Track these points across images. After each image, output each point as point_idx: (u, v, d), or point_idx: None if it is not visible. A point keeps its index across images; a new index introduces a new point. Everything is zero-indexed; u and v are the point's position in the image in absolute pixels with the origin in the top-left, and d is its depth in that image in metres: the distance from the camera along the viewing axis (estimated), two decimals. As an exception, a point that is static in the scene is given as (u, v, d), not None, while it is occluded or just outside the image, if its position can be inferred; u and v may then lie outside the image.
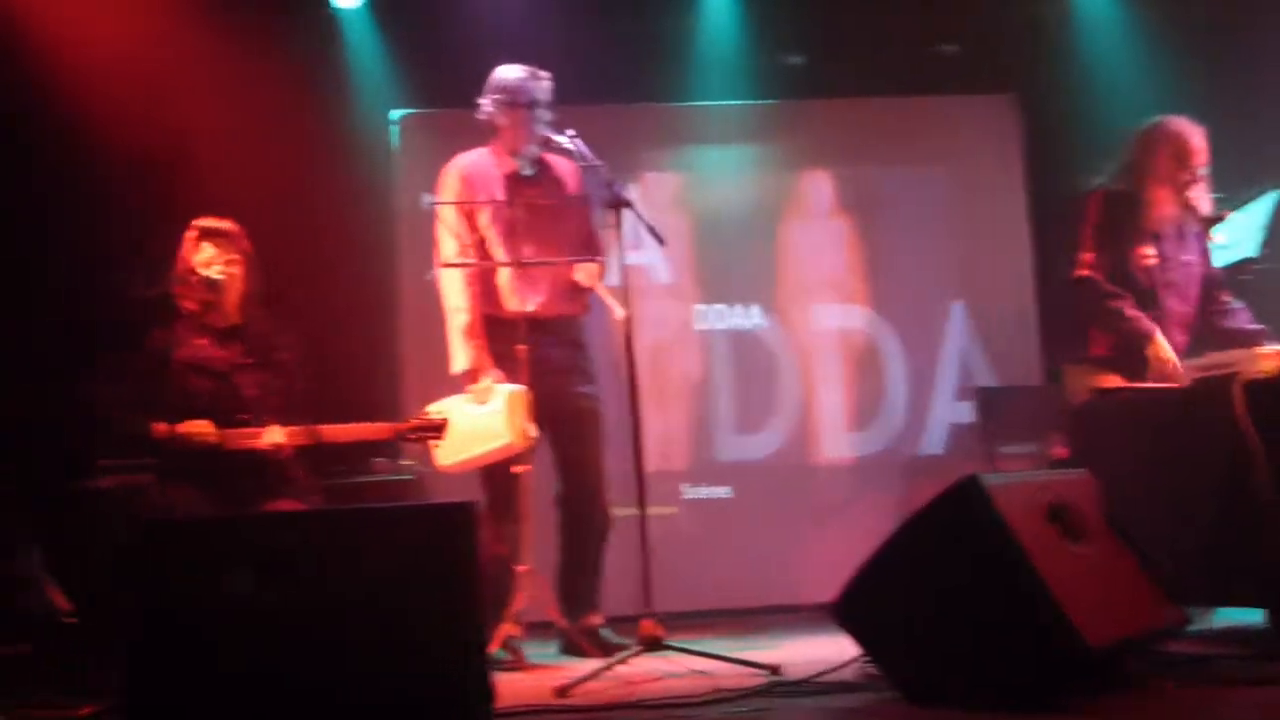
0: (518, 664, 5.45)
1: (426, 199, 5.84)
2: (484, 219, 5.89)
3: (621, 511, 5.71)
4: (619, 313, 5.36)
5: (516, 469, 5.46)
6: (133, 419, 5.19)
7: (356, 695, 3.85)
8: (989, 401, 7.31)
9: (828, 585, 4.35)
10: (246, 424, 5.27)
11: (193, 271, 5.45)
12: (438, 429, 5.37)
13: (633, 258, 6.66)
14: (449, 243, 5.87)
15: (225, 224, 5.53)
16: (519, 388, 5.45)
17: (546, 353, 5.67)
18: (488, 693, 4.01)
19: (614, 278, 5.85)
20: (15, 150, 6.47)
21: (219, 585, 3.87)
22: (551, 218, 5.79)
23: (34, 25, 6.37)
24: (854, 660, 4.58)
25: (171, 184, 6.43)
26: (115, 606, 4.03)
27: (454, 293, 5.74)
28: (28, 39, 6.43)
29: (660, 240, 5.45)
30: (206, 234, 5.47)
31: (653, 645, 5.16)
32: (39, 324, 6.36)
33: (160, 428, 5.17)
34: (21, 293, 6.42)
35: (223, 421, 5.23)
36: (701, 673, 4.98)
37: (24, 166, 6.48)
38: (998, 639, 3.99)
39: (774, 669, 4.94)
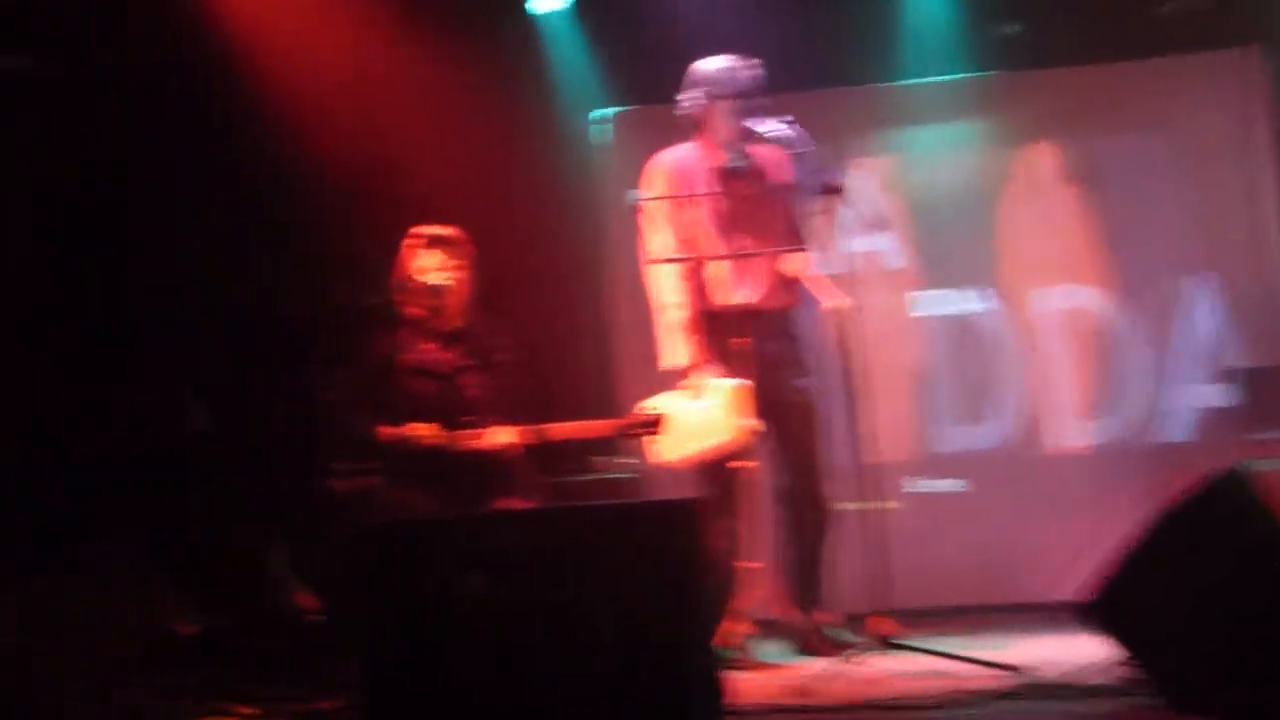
0: (748, 662, 5.38)
1: (632, 195, 5.72)
2: (694, 214, 5.78)
3: (845, 506, 5.59)
4: (835, 302, 5.16)
5: (736, 464, 5.39)
6: (361, 423, 5.29)
7: (586, 693, 3.83)
8: (1248, 383, 6.88)
9: (1066, 582, 4.09)
10: (470, 425, 5.31)
11: (413, 278, 5.51)
12: (656, 425, 5.40)
13: (855, 244, 6.48)
14: (657, 238, 5.78)
15: (449, 230, 5.59)
16: (739, 382, 5.41)
17: (762, 346, 5.58)
18: (717, 691, 3.98)
19: (833, 266, 5.74)
20: (240, 162, 6.62)
21: (451, 584, 3.88)
22: (764, 209, 5.70)
23: (251, 41, 6.59)
24: (1106, 662, 4.36)
25: (383, 192, 6.53)
26: (353, 606, 4.10)
27: (667, 289, 5.65)
28: (245, 55, 6.63)
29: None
30: (433, 241, 5.53)
31: (886, 644, 4.97)
32: (274, 333, 6.55)
33: (388, 431, 5.27)
34: (260, 306, 6.61)
35: (448, 423, 5.28)
36: (939, 673, 4.85)
37: (246, 178, 6.63)
38: (1266, 638, 3.82)
39: (1015, 669, 4.78)
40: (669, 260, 5.69)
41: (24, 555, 5.52)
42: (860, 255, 6.71)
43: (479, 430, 5.35)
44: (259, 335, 6.35)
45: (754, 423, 5.36)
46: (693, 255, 5.71)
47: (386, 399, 5.33)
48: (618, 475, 6.41)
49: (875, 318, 6.74)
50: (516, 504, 5.24)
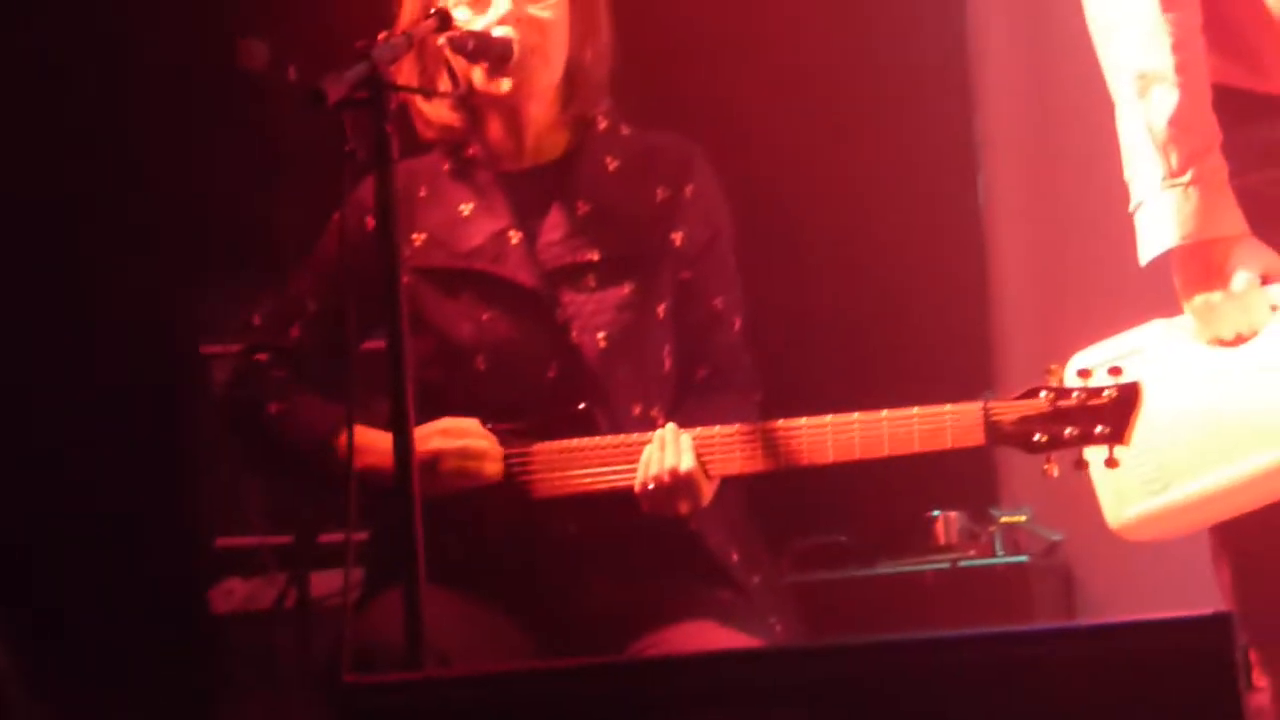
0: None
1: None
2: None
3: None
4: None
5: None
6: (297, 416, 2.89)
7: None
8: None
9: None
10: (584, 423, 2.75)
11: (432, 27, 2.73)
12: (1115, 416, 2.52)
13: None
14: None
15: None
16: None
17: None
18: None
19: None
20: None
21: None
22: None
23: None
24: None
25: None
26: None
27: (1145, 40, 2.52)
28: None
29: None
30: None
31: None
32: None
33: (370, 440, 2.65)
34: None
35: (526, 417, 2.76)
36: None
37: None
38: None
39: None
40: None
41: None
42: None
43: (609, 445, 2.71)
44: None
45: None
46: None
47: (362, 353, 2.67)
48: (1000, 561, 3.92)
49: None
50: (699, 634, 2.65)
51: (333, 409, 2.62)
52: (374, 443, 2.53)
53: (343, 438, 2.46)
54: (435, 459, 2.53)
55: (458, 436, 2.57)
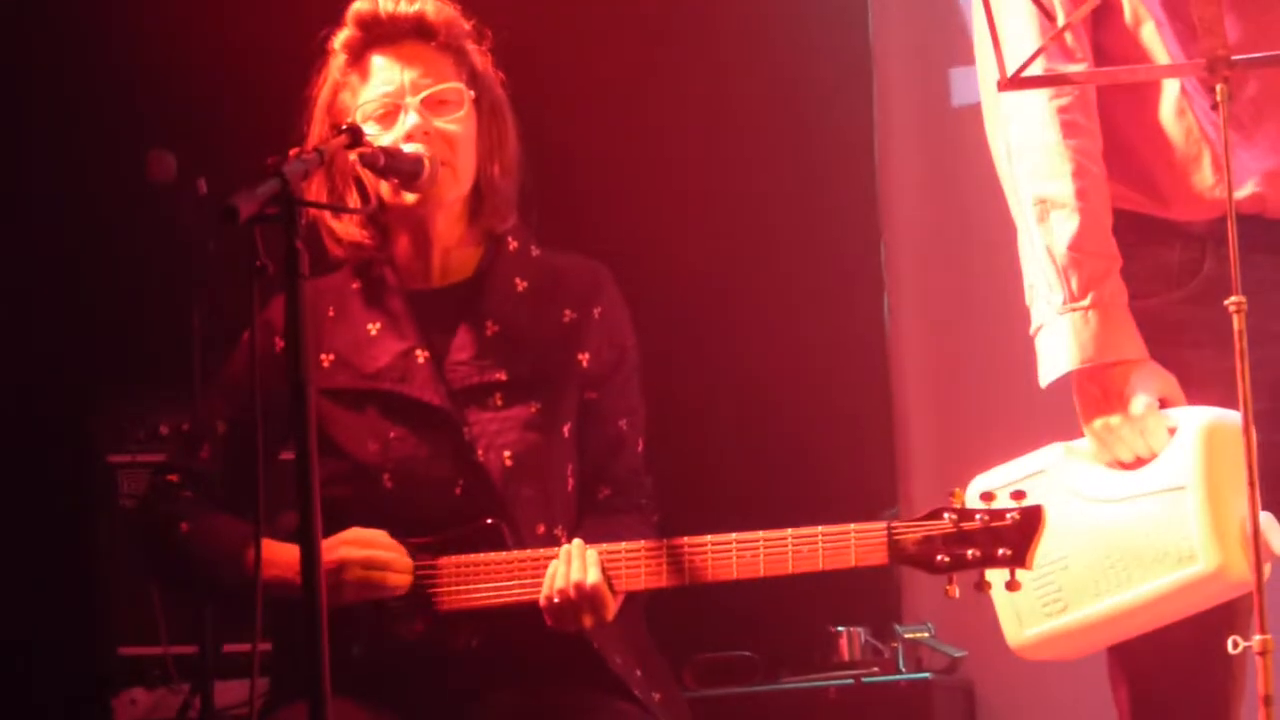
0: None
1: None
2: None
3: None
4: None
5: (1239, 642, 2.43)
6: (196, 533, 2.84)
7: None
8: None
9: None
10: (489, 538, 2.73)
11: (342, 147, 2.78)
12: (1018, 538, 2.55)
13: None
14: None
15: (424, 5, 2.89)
16: (1229, 415, 2.54)
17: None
18: None
19: None
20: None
21: None
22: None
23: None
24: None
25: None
26: None
27: (1049, 164, 2.77)
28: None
29: None
30: (373, 33, 2.84)
31: None
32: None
33: (276, 551, 2.69)
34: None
35: (430, 531, 2.74)
36: None
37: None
38: None
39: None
40: (1044, 83, 2.42)
41: None
42: None
43: (515, 559, 2.72)
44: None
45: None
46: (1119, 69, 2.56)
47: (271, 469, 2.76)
48: (909, 675, 3.92)
49: None
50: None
51: (241, 526, 2.63)
52: (280, 555, 2.56)
53: (250, 552, 2.47)
54: (340, 567, 2.54)
55: (363, 546, 2.59)
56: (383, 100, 2.68)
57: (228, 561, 2.63)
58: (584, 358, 2.80)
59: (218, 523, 2.68)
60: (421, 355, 2.72)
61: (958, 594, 2.52)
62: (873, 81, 4.66)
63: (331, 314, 2.74)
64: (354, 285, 2.78)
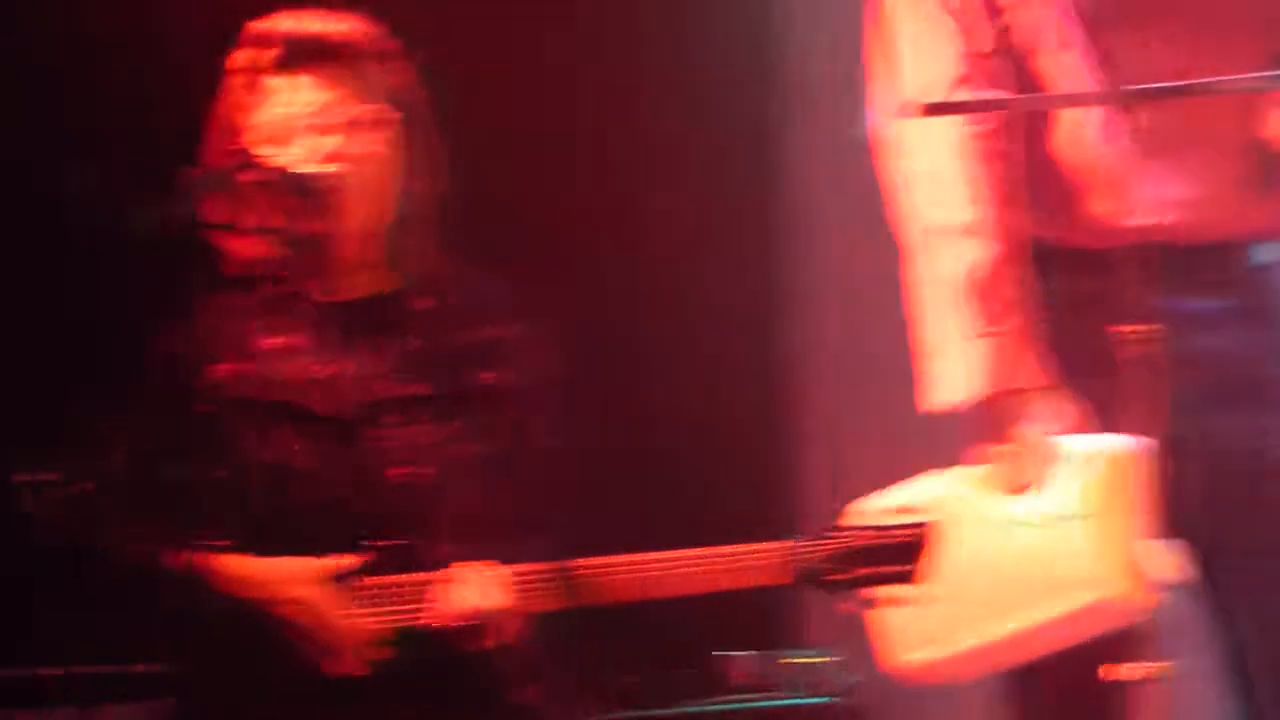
0: None
1: None
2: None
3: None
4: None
5: (1129, 670, 2.43)
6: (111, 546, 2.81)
7: None
8: None
9: None
10: (399, 559, 2.73)
11: (242, 162, 2.84)
12: (906, 557, 2.61)
13: None
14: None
15: (331, 26, 2.83)
16: (1132, 441, 2.50)
17: (1193, 339, 2.75)
18: None
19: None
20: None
21: None
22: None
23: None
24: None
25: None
26: None
27: (945, 195, 2.80)
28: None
29: None
30: (288, 55, 2.79)
31: None
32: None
33: (185, 568, 2.73)
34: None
35: (338, 547, 2.74)
36: None
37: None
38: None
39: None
40: (947, 109, 2.48)
41: None
42: None
43: (424, 577, 2.70)
44: None
45: (1172, 555, 2.60)
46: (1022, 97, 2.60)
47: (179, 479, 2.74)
48: (805, 700, 3.89)
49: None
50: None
51: (154, 537, 2.65)
52: (229, 568, 2.60)
53: (163, 566, 2.54)
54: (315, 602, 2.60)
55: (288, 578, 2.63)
56: (282, 121, 2.71)
57: (139, 573, 2.66)
58: (497, 376, 2.82)
59: (131, 534, 2.70)
60: (329, 369, 2.74)
61: (848, 613, 2.57)
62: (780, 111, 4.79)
63: (235, 328, 2.76)
64: (257, 301, 2.80)
